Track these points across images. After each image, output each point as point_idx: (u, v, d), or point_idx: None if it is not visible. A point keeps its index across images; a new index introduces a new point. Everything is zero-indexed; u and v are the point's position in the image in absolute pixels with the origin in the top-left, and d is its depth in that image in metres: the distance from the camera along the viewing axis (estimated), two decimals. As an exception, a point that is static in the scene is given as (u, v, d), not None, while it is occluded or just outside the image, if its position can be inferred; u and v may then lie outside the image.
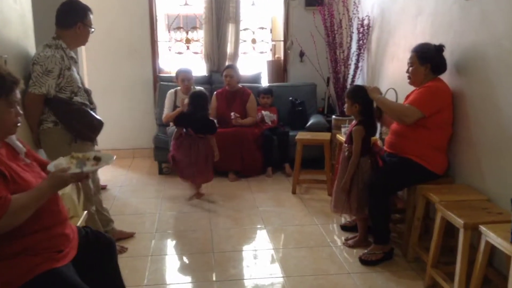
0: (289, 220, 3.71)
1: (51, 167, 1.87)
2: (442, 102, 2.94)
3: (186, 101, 4.21)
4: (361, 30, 4.72)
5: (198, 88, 4.84)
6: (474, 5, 2.83)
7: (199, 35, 5.76)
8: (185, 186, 4.32)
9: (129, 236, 3.36)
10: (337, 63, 4.93)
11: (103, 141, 3.19)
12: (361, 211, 3.11)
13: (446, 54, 3.00)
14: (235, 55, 5.57)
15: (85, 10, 2.92)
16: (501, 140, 2.59)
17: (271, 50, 6.09)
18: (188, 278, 2.92)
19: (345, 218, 3.61)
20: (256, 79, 5.64)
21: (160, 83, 5.39)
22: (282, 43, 5.81)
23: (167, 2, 6.04)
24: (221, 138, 4.54)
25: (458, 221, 2.34)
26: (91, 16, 2.95)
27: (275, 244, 3.34)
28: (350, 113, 3.20)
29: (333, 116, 4.81)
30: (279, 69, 5.85)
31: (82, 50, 4.73)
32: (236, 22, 5.49)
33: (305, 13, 5.51)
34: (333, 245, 3.26)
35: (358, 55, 4.80)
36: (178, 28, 5.96)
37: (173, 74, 5.14)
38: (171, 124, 4.74)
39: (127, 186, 4.60)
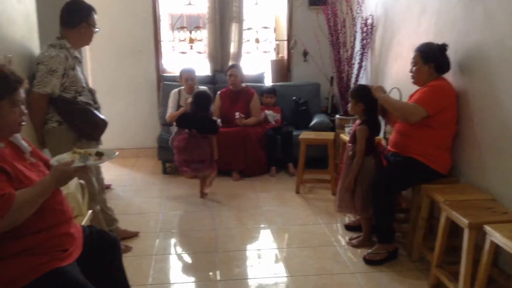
0: (292, 220, 3.71)
1: (53, 161, 1.88)
2: (446, 101, 2.94)
3: (189, 100, 4.22)
4: (364, 29, 4.71)
5: (202, 87, 4.85)
6: (477, 4, 2.83)
7: (203, 34, 5.76)
8: (189, 185, 4.32)
9: (133, 235, 3.37)
10: (341, 62, 4.92)
11: (107, 140, 3.19)
12: (365, 211, 3.11)
13: (450, 53, 2.99)
14: (238, 54, 5.57)
15: (89, 10, 2.92)
16: (506, 140, 2.58)
17: (274, 49, 6.08)
18: (192, 278, 2.92)
19: (349, 218, 3.61)
20: (259, 78, 5.63)
21: (163, 83, 5.39)
22: (285, 42, 5.81)
23: (171, 2, 6.04)
24: (224, 137, 4.55)
25: (463, 221, 2.33)
26: (95, 16, 2.95)
27: (279, 243, 3.34)
28: (354, 113, 3.20)
29: (337, 116, 4.80)
30: (282, 69, 5.84)
31: (86, 49, 4.74)
32: (240, 21, 5.49)
33: (309, 12, 5.50)
34: (337, 244, 3.25)
35: (362, 54, 4.79)
36: (182, 27, 5.96)
37: (177, 74, 5.15)
38: (175, 123, 4.75)
39: (131, 186, 4.61)
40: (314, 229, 3.51)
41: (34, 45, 2.95)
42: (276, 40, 6.06)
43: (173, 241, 3.43)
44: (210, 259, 3.07)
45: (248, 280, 2.84)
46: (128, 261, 2.45)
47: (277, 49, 6.12)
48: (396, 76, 4.09)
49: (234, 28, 5.48)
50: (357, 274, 2.84)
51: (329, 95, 5.50)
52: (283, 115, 5.18)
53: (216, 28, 5.44)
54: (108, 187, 4.25)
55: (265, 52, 6.08)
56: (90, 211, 2.51)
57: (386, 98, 3.07)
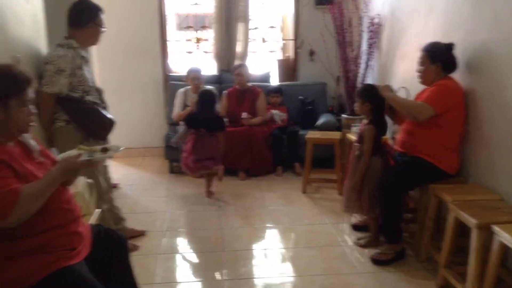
0: (299, 219, 3.71)
1: (60, 158, 1.89)
2: (454, 100, 2.92)
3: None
4: (371, 28, 4.70)
5: (208, 87, 4.86)
6: (485, 3, 2.81)
7: (209, 34, 5.76)
8: (196, 185, 4.33)
9: (140, 234, 3.38)
10: (347, 62, 4.91)
11: (114, 140, 3.18)
12: (372, 211, 3.10)
13: (458, 52, 2.98)
14: (244, 54, 5.57)
15: (97, 10, 2.93)
16: (514, 139, 2.57)
17: (281, 49, 6.07)
18: (199, 277, 2.92)
19: (356, 218, 3.60)
20: (265, 78, 5.63)
21: (170, 82, 5.41)
22: (292, 42, 5.80)
23: (177, 1, 6.04)
24: (231, 137, 4.56)
25: (471, 221, 2.32)
26: (103, 16, 2.96)
27: (285, 243, 3.34)
28: (361, 112, 3.19)
29: (344, 115, 4.79)
30: (289, 68, 5.84)
31: (94, 49, 4.75)
32: (246, 21, 5.49)
33: (315, 11, 5.49)
34: (344, 244, 3.25)
35: (369, 54, 4.77)
36: (188, 27, 5.97)
37: (183, 74, 5.16)
38: (181, 123, 4.76)
39: (138, 185, 4.62)
40: (320, 229, 3.51)
41: (42, 45, 2.96)
42: (283, 40, 6.06)
43: (179, 240, 3.44)
44: (217, 259, 3.08)
45: (255, 279, 2.84)
46: (135, 260, 2.44)
47: (284, 49, 6.11)
48: (403, 75, 4.07)
49: (240, 27, 5.48)
50: (364, 274, 2.84)
51: (335, 94, 5.48)
52: (289, 114, 5.17)
53: (223, 28, 5.44)
54: (115, 186, 4.27)
55: (271, 51, 6.07)
56: (98, 210, 2.52)
57: (394, 97, 3.06)
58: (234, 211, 3.90)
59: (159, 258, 3.08)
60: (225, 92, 5.11)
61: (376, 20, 4.66)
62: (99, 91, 3.02)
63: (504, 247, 2.18)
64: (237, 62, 5.48)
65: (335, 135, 4.33)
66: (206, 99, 4.13)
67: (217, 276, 2.90)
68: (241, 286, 2.77)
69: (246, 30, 5.53)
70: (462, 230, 2.68)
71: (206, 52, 5.89)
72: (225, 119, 4.55)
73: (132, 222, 3.38)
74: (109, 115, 2.96)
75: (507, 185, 2.64)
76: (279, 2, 5.95)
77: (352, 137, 3.81)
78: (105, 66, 5.30)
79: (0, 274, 1.63)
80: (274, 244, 3.33)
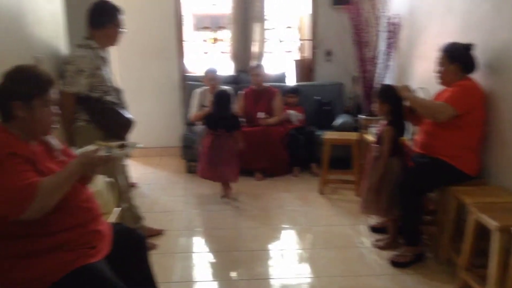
0: (316, 220, 3.69)
1: (78, 152, 1.92)
2: (475, 101, 2.88)
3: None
4: (389, 28, 4.66)
5: (225, 87, 4.87)
6: (505, 2, 2.76)
7: (226, 34, 5.78)
8: (213, 185, 4.33)
9: (158, 233, 3.40)
10: (365, 62, 4.88)
11: (133, 139, 3.23)
12: (391, 213, 3.07)
13: (477, 53, 2.93)
14: (261, 54, 5.57)
15: (116, 11, 2.96)
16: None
17: (299, 49, 6.06)
18: (216, 276, 2.93)
19: (374, 219, 3.57)
20: (281, 78, 5.62)
21: (187, 83, 5.43)
22: (308, 42, 5.78)
23: (194, 2, 6.07)
24: (247, 137, 4.55)
25: (492, 223, 2.28)
26: (122, 17, 2.98)
27: (302, 244, 3.34)
28: (380, 113, 3.17)
29: (362, 116, 4.75)
30: (306, 68, 5.82)
31: (113, 49, 4.80)
32: (262, 21, 5.49)
33: (332, 11, 5.47)
34: (362, 246, 3.23)
35: (387, 54, 4.73)
36: (205, 28, 6.00)
37: (199, 74, 5.18)
38: (198, 123, 4.79)
39: (156, 184, 4.66)
40: (338, 230, 3.49)
41: (62, 45, 3.00)
42: (300, 40, 6.04)
43: (196, 239, 3.46)
44: (233, 258, 3.09)
45: (271, 280, 2.85)
46: (153, 259, 2.45)
47: (301, 49, 6.10)
48: (421, 75, 4.03)
49: (256, 28, 5.49)
50: (383, 276, 2.82)
51: (352, 95, 5.45)
52: (306, 115, 5.15)
53: (239, 28, 5.45)
54: (134, 185, 4.30)
55: (288, 52, 6.06)
56: (118, 209, 2.55)
57: (413, 97, 3.03)
58: (250, 211, 3.90)
59: (176, 257, 3.10)
60: (241, 92, 5.11)
61: (394, 20, 4.62)
62: (118, 91, 3.04)
63: (526, 250, 2.15)
64: (253, 63, 5.49)
65: (353, 135, 4.31)
66: (221, 100, 4.14)
67: (234, 275, 2.91)
68: (258, 286, 2.77)
69: (263, 30, 5.52)
70: (483, 232, 2.64)
71: (222, 52, 5.90)
72: (242, 119, 4.57)
73: (150, 221, 3.41)
74: (128, 115, 2.98)
75: (530, 187, 2.59)
76: (296, 2, 5.94)
77: (370, 138, 3.79)
78: (123, 66, 5.34)
79: (23, 271, 1.66)
80: (291, 245, 3.33)
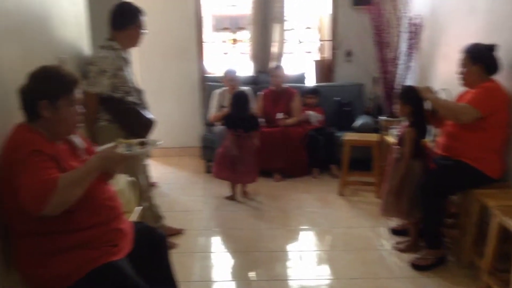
0: (336, 222, 3.67)
1: (99, 150, 1.94)
2: (499, 102, 2.83)
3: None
4: (411, 29, 4.61)
5: (244, 88, 4.88)
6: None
7: (245, 35, 5.79)
8: (231, 185, 4.35)
9: (178, 232, 3.42)
10: (385, 63, 4.84)
11: (154, 139, 3.26)
12: (412, 215, 3.04)
13: (501, 53, 2.88)
14: (280, 55, 5.57)
15: (138, 12, 2.98)
16: None
17: (318, 49, 6.04)
18: (234, 276, 2.94)
19: (394, 222, 3.53)
20: (300, 79, 5.61)
21: (206, 83, 5.46)
22: (328, 42, 5.76)
23: (213, 3, 6.10)
24: (266, 137, 4.57)
25: (517, 227, 2.25)
26: (144, 18, 3.01)
27: (322, 245, 3.32)
28: (401, 115, 3.14)
29: (382, 117, 4.71)
30: (325, 69, 5.80)
31: (134, 50, 4.84)
32: (282, 22, 5.49)
33: (353, 12, 5.44)
34: (382, 248, 3.20)
35: (408, 54, 4.69)
36: (225, 28, 6.02)
37: (219, 75, 5.20)
38: (217, 123, 4.81)
39: (175, 184, 4.69)
40: (358, 232, 3.47)
41: (85, 46, 3.04)
42: (320, 40, 6.02)
43: (216, 239, 3.48)
44: (252, 259, 3.09)
45: (290, 281, 2.84)
46: (173, 258, 2.48)
47: (321, 50, 6.07)
48: (444, 77, 3.98)
49: (276, 28, 5.48)
50: (403, 279, 2.79)
51: (372, 96, 5.41)
52: (325, 116, 5.12)
53: (259, 29, 5.45)
54: (154, 184, 4.34)
55: (307, 52, 6.05)
56: (139, 208, 2.57)
57: (435, 99, 3.00)
58: (269, 212, 3.90)
59: (196, 257, 3.12)
60: (260, 93, 5.11)
61: (415, 21, 4.57)
62: (139, 92, 3.07)
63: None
64: (273, 63, 5.48)
65: (373, 137, 4.27)
66: (239, 100, 4.14)
67: (253, 276, 2.91)
68: (277, 287, 2.77)
69: (282, 31, 5.52)
70: (506, 236, 2.59)
71: (242, 53, 5.92)
72: (261, 120, 4.57)
73: (170, 220, 3.43)
74: (149, 115, 3.01)
75: (556, 190, 2.54)
76: (316, 3, 5.92)
77: (391, 139, 3.75)
78: (144, 67, 5.40)
79: (48, 268, 1.69)
80: (310, 246, 3.32)
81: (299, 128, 4.88)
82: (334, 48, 5.64)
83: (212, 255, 3.21)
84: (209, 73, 5.74)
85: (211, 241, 3.44)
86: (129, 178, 2.61)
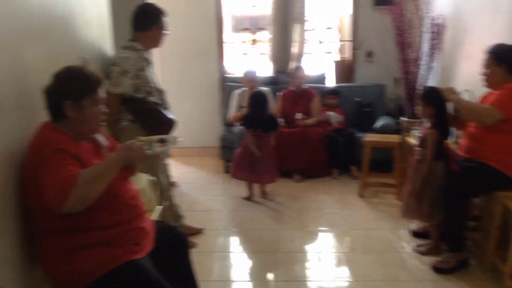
0: (356, 224, 3.65)
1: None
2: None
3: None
4: (433, 29, 4.56)
5: (263, 88, 4.89)
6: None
7: (265, 35, 5.79)
8: (250, 185, 4.36)
9: (198, 232, 3.44)
10: (407, 63, 4.79)
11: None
12: (433, 218, 3.00)
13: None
14: (300, 55, 5.56)
15: (160, 13, 3.01)
16: None
17: (339, 50, 6.01)
18: (253, 276, 2.94)
19: (415, 224, 3.49)
20: (320, 79, 5.59)
21: (226, 84, 5.48)
22: (349, 43, 5.72)
23: (233, 3, 6.12)
24: (285, 138, 4.57)
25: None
26: (166, 19, 3.04)
27: (341, 247, 3.30)
28: (424, 116, 3.10)
29: (404, 118, 4.67)
30: (346, 70, 5.76)
31: (155, 51, 4.89)
32: (302, 22, 5.47)
33: (374, 12, 5.39)
34: (403, 251, 3.16)
35: (430, 55, 4.63)
36: (245, 29, 6.03)
37: (238, 75, 5.21)
38: (236, 124, 4.83)
39: (195, 184, 4.72)
40: (378, 234, 3.44)
41: (107, 47, 3.08)
42: (340, 41, 5.99)
43: (235, 239, 3.49)
44: (271, 259, 3.09)
45: (309, 282, 2.83)
46: (193, 257, 2.49)
47: (341, 50, 6.04)
48: (467, 78, 3.93)
49: (296, 29, 5.47)
50: (425, 282, 2.76)
51: (394, 96, 5.36)
52: (346, 116, 5.09)
53: (279, 29, 5.45)
54: (174, 184, 4.37)
55: (327, 52, 6.02)
56: (160, 207, 2.60)
57: (458, 100, 2.95)
58: (289, 213, 3.89)
59: (215, 256, 3.14)
60: (279, 93, 5.11)
61: (438, 21, 4.52)
62: (161, 92, 3.10)
63: None
64: (292, 64, 5.48)
65: (394, 138, 4.22)
66: (257, 101, 4.14)
67: (271, 276, 2.91)
68: (296, 287, 2.76)
69: (302, 31, 5.51)
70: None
71: (261, 53, 5.92)
72: (280, 120, 4.57)
73: (189, 220, 3.45)
74: (170, 115, 3.03)
75: None
76: (337, 3, 5.89)
77: (412, 140, 3.71)
78: (165, 67, 5.44)
79: (71, 265, 1.72)
80: (329, 248, 3.30)
81: (319, 128, 4.86)
82: (354, 49, 5.60)
83: (231, 255, 3.23)
84: (229, 74, 5.76)
85: (230, 241, 3.45)
86: (150, 177, 2.64)
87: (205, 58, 5.60)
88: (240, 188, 4.33)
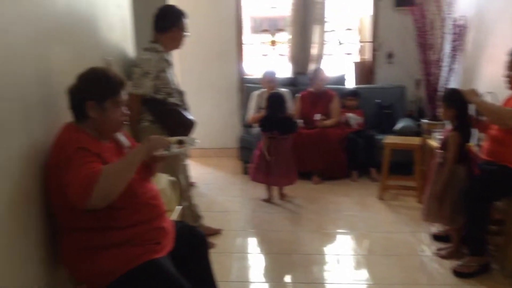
0: (375, 226, 3.62)
1: None
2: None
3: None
4: (455, 30, 4.50)
5: (282, 89, 4.89)
6: None
7: (284, 37, 5.79)
8: (268, 187, 4.36)
9: (216, 232, 3.45)
10: (429, 65, 4.73)
11: (193, 139, 3.31)
12: (454, 221, 2.96)
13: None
14: (320, 56, 5.54)
15: (180, 15, 3.04)
16: None
17: (359, 51, 5.97)
18: (271, 278, 2.94)
19: (436, 227, 3.45)
20: (340, 81, 5.56)
21: (245, 85, 5.49)
22: (369, 44, 5.69)
23: (253, 5, 6.13)
24: (304, 139, 4.57)
25: None
26: (186, 21, 3.06)
27: (360, 249, 3.28)
28: (445, 118, 3.06)
29: (424, 120, 4.62)
30: (366, 71, 5.72)
31: (176, 52, 4.93)
32: (322, 23, 5.46)
33: (395, 13, 5.35)
34: (423, 254, 3.13)
35: (452, 56, 4.57)
36: (264, 30, 6.03)
37: (257, 76, 5.22)
38: (255, 125, 4.83)
39: (214, 184, 4.74)
40: (398, 237, 3.40)
41: (129, 48, 3.12)
42: (360, 42, 5.96)
43: (253, 240, 3.49)
44: (289, 261, 3.08)
45: (327, 284, 2.83)
46: (212, 257, 2.51)
47: (361, 51, 6.00)
48: (489, 80, 3.86)
49: (316, 30, 5.46)
50: (445, 286, 2.72)
51: (414, 98, 5.31)
52: (365, 118, 5.06)
53: (298, 30, 5.44)
54: (193, 184, 4.39)
55: (347, 54, 5.99)
56: (179, 207, 2.62)
57: (481, 102, 2.91)
58: (307, 215, 3.88)
59: (233, 257, 3.14)
60: (298, 95, 5.10)
61: (460, 22, 4.46)
62: (181, 93, 3.13)
63: None
64: (312, 65, 5.47)
65: (415, 140, 4.18)
66: (275, 102, 4.12)
67: (289, 278, 2.91)
68: (315, 289, 2.76)
69: (322, 32, 5.49)
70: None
71: (280, 54, 5.92)
72: (299, 121, 4.55)
73: (208, 220, 3.47)
74: (190, 116, 3.05)
75: None
76: (357, 4, 5.85)
77: (434, 143, 3.67)
78: (185, 69, 5.47)
79: (93, 263, 1.74)
80: (348, 250, 3.28)
81: (338, 129, 4.83)
82: (374, 50, 5.56)
83: (249, 256, 3.23)
84: (248, 75, 5.77)
85: (248, 242, 3.46)
86: (170, 178, 2.66)
87: (224, 59, 5.63)
88: (258, 190, 4.33)
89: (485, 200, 2.82)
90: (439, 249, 3.13)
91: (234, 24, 5.57)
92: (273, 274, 2.99)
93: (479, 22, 4.16)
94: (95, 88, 1.79)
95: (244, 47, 5.73)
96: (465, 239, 2.98)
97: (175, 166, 2.96)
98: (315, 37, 5.47)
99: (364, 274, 2.92)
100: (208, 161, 5.51)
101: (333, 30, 5.88)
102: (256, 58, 6.11)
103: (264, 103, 4.57)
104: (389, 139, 4.24)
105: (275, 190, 4.23)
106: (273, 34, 6.10)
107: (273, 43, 6.11)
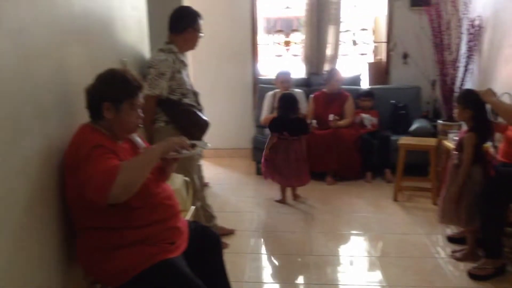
0: (390, 228, 3.59)
1: None
2: None
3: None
4: (471, 31, 4.46)
5: (296, 90, 4.88)
6: None
7: (297, 37, 5.78)
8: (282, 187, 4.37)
9: (229, 233, 3.46)
10: (445, 65, 4.69)
11: (206, 140, 3.32)
12: (470, 223, 2.93)
13: None
14: (334, 57, 5.52)
15: (195, 16, 3.05)
16: None
17: (373, 52, 5.94)
18: (285, 279, 2.94)
19: (451, 229, 3.42)
20: (355, 81, 5.53)
21: (259, 85, 5.49)
22: (384, 44, 5.65)
23: (267, 6, 6.14)
24: (318, 139, 4.56)
25: None
26: (201, 22, 3.08)
27: (375, 251, 3.26)
28: (461, 119, 3.04)
29: (440, 121, 4.57)
30: (381, 71, 5.69)
31: (190, 53, 4.96)
32: (337, 23, 5.44)
33: (410, 13, 5.30)
34: (438, 256, 3.10)
35: (468, 57, 4.53)
36: (278, 31, 6.03)
37: (271, 77, 5.22)
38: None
39: (227, 185, 4.75)
40: (413, 239, 3.37)
41: (145, 50, 3.15)
42: (375, 42, 5.92)
43: (266, 241, 3.49)
44: (303, 262, 3.08)
45: (341, 286, 2.82)
46: (225, 258, 2.53)
47: (375, 51, 5.97)
48: (506, 80, 3.82)
49: (331, 30, 5.44)
50: (460, 289, 2.70)
51: (430, 99, 5.26)
52: (380, 119, 5.03)
53: (313, 31, 5.43)
54: (206, 184, 4.41)
55: (362, 54, 5.96)
56: (193, 207, 2.63)
57: (497, 102, 2.88)
58: (321, 216, 3.87)
59: (247, 258, 3.15)
60: (312, 96, 5.08)
61: (476, 22, 4.41)
62: (195, 94, 3.14)
63: None
64: (326, 65, 5.45)
65: (431, 141, 4.14)
66: (286, 103, 4.10)
67: (303, 279, 2.91)
68: (328, 291, 2.76)
69: (337, 33, 5.47)
70: None
71: (294, 55, 5.91)
72: (314, 121, 4.54)
73: (221, 221, 3.47)
74: (204, 117, 3.07)
75: None
76: (372, 4, 5.82)
77: (449, 144, 3.64)
78: (199, 69, 5.49)
79: (108, 263, 1.76)
80: (362, 252, 3.27)
81: (352, 130, 4.81)
82: (389, 50, 5.53)
83: (263, 257, 3.24)
84: (262, 75, 5.78)
85: (262, 242, 3.46)
86: (185, 178, 2.68)
87: (238, 60, 5.64)
88: (271, 190, 4.33)
89: (502, 202, 2.79)
90: (454, 251, 3.11)
91: (248, 24, 5.57)
92: (286, 274, 2.99)
93: (496, 22, 4.11)
94: (112, 90, 1.81)
95: (258, 47, 5.74)
96: (481, 242, 2.95)
97: (189, 167, 2.98)
98: (330, 37, 5.46)
99: (377, 276, 2.90)
100: (221, 162, 5.52)
101: (347, 30, 5.85)
102: (270, 59, 6.11)
103: (276, 104, 4.57)
104: (404, 140, 4.21)
105: (288, 191, 4.23)
106: (287, 35, 6.09)
107: (287, 43, 6.11)
